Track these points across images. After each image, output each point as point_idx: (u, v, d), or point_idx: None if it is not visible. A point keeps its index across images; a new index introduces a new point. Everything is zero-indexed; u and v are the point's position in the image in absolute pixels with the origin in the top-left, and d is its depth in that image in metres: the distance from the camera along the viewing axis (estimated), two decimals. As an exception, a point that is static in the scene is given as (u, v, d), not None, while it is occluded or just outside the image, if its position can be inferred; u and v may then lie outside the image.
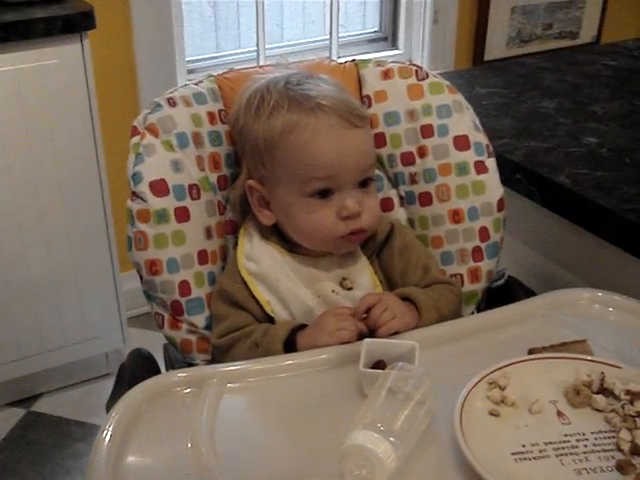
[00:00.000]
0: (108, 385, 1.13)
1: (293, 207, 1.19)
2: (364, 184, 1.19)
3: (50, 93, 2.00)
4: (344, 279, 1.22)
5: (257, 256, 1.22)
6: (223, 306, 1.21)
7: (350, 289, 1.22)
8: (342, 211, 1.16)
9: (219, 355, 1.20)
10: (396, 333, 1.13)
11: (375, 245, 1.26)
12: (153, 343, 1.33)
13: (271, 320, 1.21)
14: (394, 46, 3.02)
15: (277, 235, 1.24)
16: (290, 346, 1.14)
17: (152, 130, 1.21)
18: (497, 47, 3.06)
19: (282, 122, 1.16)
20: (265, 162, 1.19)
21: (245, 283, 1.21)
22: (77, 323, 2.28)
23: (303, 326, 1.17)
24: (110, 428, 0.97)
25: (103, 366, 2.40)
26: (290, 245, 1.23)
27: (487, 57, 3.03)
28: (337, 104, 1.17)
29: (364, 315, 1.14)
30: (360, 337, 1.10)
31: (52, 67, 1.98)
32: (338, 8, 2.83)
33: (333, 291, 1.21)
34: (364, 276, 1.24)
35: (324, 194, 1.17)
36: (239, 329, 1.19)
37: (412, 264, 1.26)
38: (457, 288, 1.29)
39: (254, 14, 2.69)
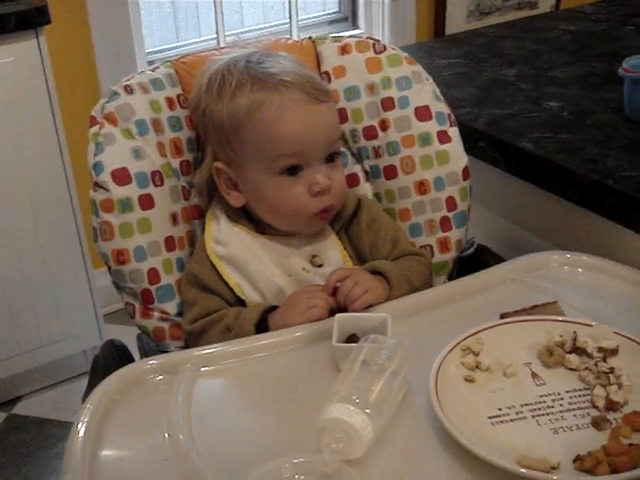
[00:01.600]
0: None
1: (263, 186, 1.18)
2: (331, 159, 1.19)
3: (8, 91, 1.97)
4: (314, 256, 1.22)
5: (225, 239, 1.21)
6: (193, 291, 1.20)
7: (320, 266, 1.22)
8: (313, 186, 1.16)
9: (192, 341, 1.19)
10: (369, 307, 1.13)
11: (343, 220, 1.25)
12: (130, 338, 1.32)
13: (242, 303, 1.20)
14: (355, 26, 3.01)
15: (246, 217, 1.23)
16: (262, 328, 1.14)
17: (110, 119, 1.20)
18: (457, 21, 3.05)
19: (246, 101, 1.16)
20: (231, 143, 1.19)
21: (214, 267, 1.20)
22: (53, 322, 2.26)
23: (274, 307, 1.17)
24: (84, 420, 0.96)
25: (82, 364, 2.38)
26: (259, 226, 1.23)
27: (448, 32, 3.01)
28: (300, 80, 1.17)
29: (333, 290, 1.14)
30: (331, 313, 1.10)
31: (9, 65, 1.95)
32: (297, -9, 2.81)
33: (304, 269, 1.21)
34: (334, 252, 1.23)
35: (293, 171, 1.16)
36: (210, 314, 1.18)
37: (381, 237, 1.26)
38: (427, 259, 1.29)
39: (212, 2, 2.67)
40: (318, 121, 1.17)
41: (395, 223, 1.31)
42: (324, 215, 1.20)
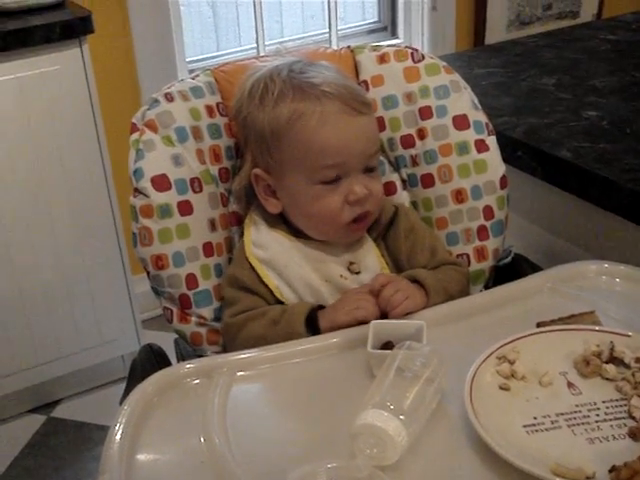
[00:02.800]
0: (124, 387, 1.15)
1: (301, 195, 1.19)
2: (370, 169, 1.20)
3: (52, 99, 2.01)
4: (351, 263, 1.23)
5: (265, 243, 1.23)
6: (233, 291, 1.21)
7: (358, 273, 1.22)
8: (350, 196, 1.17)
9: (232, 334, 1.20)
10: (407, 314, 1.14)
11: (380, 228, 1.26)
12: (168, 344, 1.33)
13: (281, 304, 1.21)
14: (394, 35, 3.02)
15: (284, 223, 1.24)
16: (310, 325, 1.14)
17: (151, 126, 1.22)
18: (497, 31, 3.04)
19: (288, 111, 1.17)
20: (271, 151, 1.20)
21: (254, 269, 1.21)
22: (92, 327, 2.29)
23: (321, 307, 1.18)
24: (122, 422, 0.97)
25: (120, 369, 2.41)
26: (297, 232, 1.24)
27: (488, 41, 3.00)
28: (342, 91, 1.17)
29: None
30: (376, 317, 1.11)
31: (53, 73, 1.99)
32: (336, 1, 2.82)
33: (341, 276, 1.21)
34: (371, 259, 1.24)
35: (332, 181, 1.17)
36: (252, 310, 1.19)
37: (419, 246, 1.26)
38: (464, 268, 1.29)
39: (252, 11, 2.70)
40: (358, 133, 1.18)
41: (433, 232, 1.31)
42: (359, 225, 1.21)
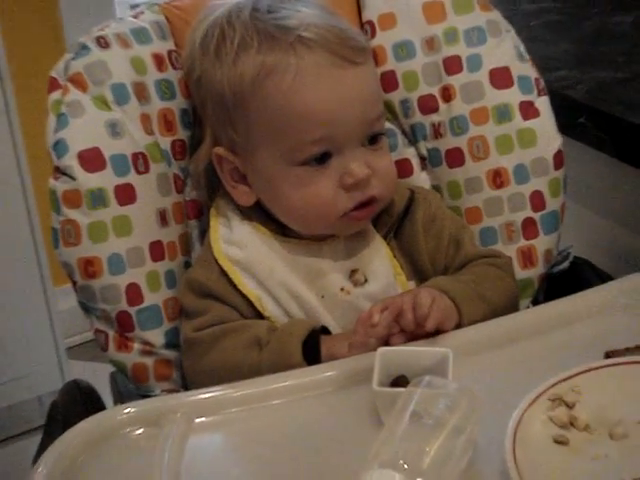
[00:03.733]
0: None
1: (279, 179, 1.20)
2: (372, 141, 1.20)
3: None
4: (354, 271, 1.23)
5: (239, 239, 1.23)
6: (197, 299, 1.22)
7: (364, 283, 1.23)
8: (346, 178, 1.17)
9: (196, 354, 1.20)
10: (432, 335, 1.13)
11: (392, 220, 1.27)
12: (100, 380, 1.33)
13: (261, 319, 1.22)
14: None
15: (262, 215, 1.25)
16: (308, 350, 1.15)
17: (78, 82, 1.22)
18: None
19: (253, 66, 1.17)
20: (236, 122, 1.20)
21: (225, 274, 1.22)
22: (-1, 358, 2.29)
23: (325, 328, 1.19)
24: (36, 489, 0.97)
25: (36, 415, 2.40)
26: (280, 227, 1.24)
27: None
28: (325, 35, 1.17)
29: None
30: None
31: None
32: None
33: (342, 289, 1.22)
34: (380, 263, 1.25)
35: (319, 160, 1.17)
36: (223, 323, 1.19)
37: (444, 241, 1.27)
38: (506, 261, 1.29)
39: None
40: (351, 92, 1.18)
41: (459, 219, 1.32)
42: (360, 215, 1.21)
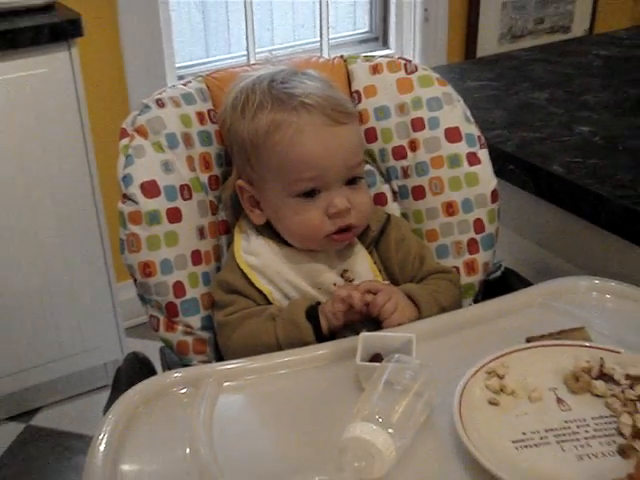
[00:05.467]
0: (107, 396, 1.13)
1: (281, 207, 1.19)
2: (352, 182, 1.19)
3: (39, 102, 2.00)
4: (345, 271, 1.23)
5: (255, 250, 1.23)
6: (225, 295, 1.21)
7: (352, 281, 1.22)
8: (330, 209, 1.17)
9: (228, 332, 1.20)
10: (397, 325, 1.14)
11: (373, 235, 1.26)
12: (151, 352, 1.33)
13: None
14: (385, 46, 3.03)
15: (272, 232, 1.24)
16: (310, 318, 1.15)
17: (141, 131, 1.22)
18: (489, 43, 3.06)
19: (266, 122, 1.16)
20: (252, 162, 1.20)
21: (245, 276, 1.21)
22: (75, 334, 2.28)
23: (319, 303, 1.18)
24: (106, 431, 0.96)
25: (102, 377, 2.40)
26: (284, 241, 1.24)
27: (479, 54, 3.03)
28: (321, 102, 1.17)
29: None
30: (356, 332, 1.11)
31: (41, 76, 1.98)
32: (327, 10, 2.84)
33: (335, 284, 1.21)
34: (364, 267, 1.24)
35: (311, 194, 1.17)
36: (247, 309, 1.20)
37: (410, 256, 1.27)
38: (455, 276, 1.29)
39: (243, 18, 2.70)
40: (337, 144, 1.17)
41: (421, 241, 1.31)
42: (341, 236, 1.20)
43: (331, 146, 1.16)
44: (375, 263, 1.25)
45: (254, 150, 1.19)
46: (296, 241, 1.22)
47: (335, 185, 1.17)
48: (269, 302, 1.21)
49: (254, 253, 1.22)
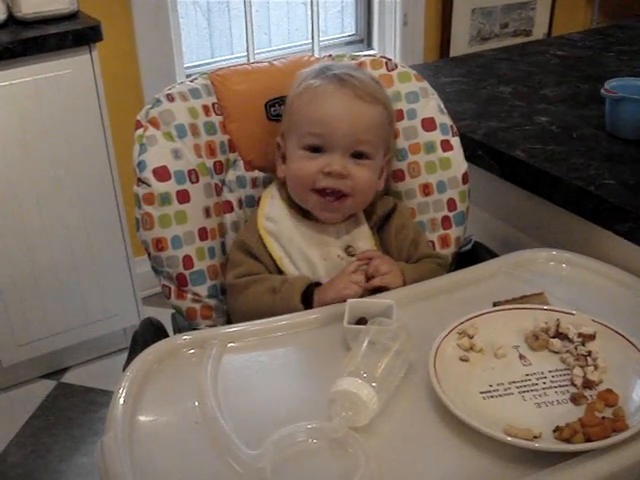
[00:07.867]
0: (126, 356, 1.13)
1: (291, 158, 1.19)
2: (357, 155, 1.17)
3: (65, 99, 1.99)
4: (349, 246, 1.22)
5: (275, 216, 1.21)
6: (240, 254, 1.20)
7: (353, 256, 1.21)
8: (326, 167, 1.16)
9: (234, 294, 1.19)
10: (381, 290, 1.14)
11: (378, 218, 1.25)
12: (165, 318, 1.32)
13: (281, 274, 1.20)
14: (369, 47, 3.01)
15: (293, 202, 1.23)
16: (305, 299, 1.13)
17: (154, 123, 1.21)
18: (460, 45, 3.04)
19: (304, 86, 1.18)
20: (285, 119, 1.22)
21: (261, 239, 1.20)
22: (97, 303, 2.28)
23: (318, 284, 1.17)
24: (125, 386, 0.96)
25: (122, 340, 2.39)
26: (305, 213, 1.22)
27: (452, 54, 3.01)
28: (353, 80, 1.17)
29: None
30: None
31: (66, 76, 1.97)
32: (318, 15, 2.82)
33: (338, 256, 1.21)
34: (367, 245, 1.23)
35: (316, 150, 1.16)
36: (254, 274, 1.18)
37: (407, 242, 1.26)
38: (443, 261, 1.28)
39: (244, 24, 2.69)
40: (351, 113, 1.15)
41: (418, 228, 1.29)
42: (327, 200, 1.17)
43: (344, 112, 1.15)
44: (376, 245, 1.24)
45: (289, 107, 1.20)
46: (293, 193, 1.21)
47: (339, 151, 1.16)
48: (278, 267, 1.20)
49: (273, 219, 1.21)
